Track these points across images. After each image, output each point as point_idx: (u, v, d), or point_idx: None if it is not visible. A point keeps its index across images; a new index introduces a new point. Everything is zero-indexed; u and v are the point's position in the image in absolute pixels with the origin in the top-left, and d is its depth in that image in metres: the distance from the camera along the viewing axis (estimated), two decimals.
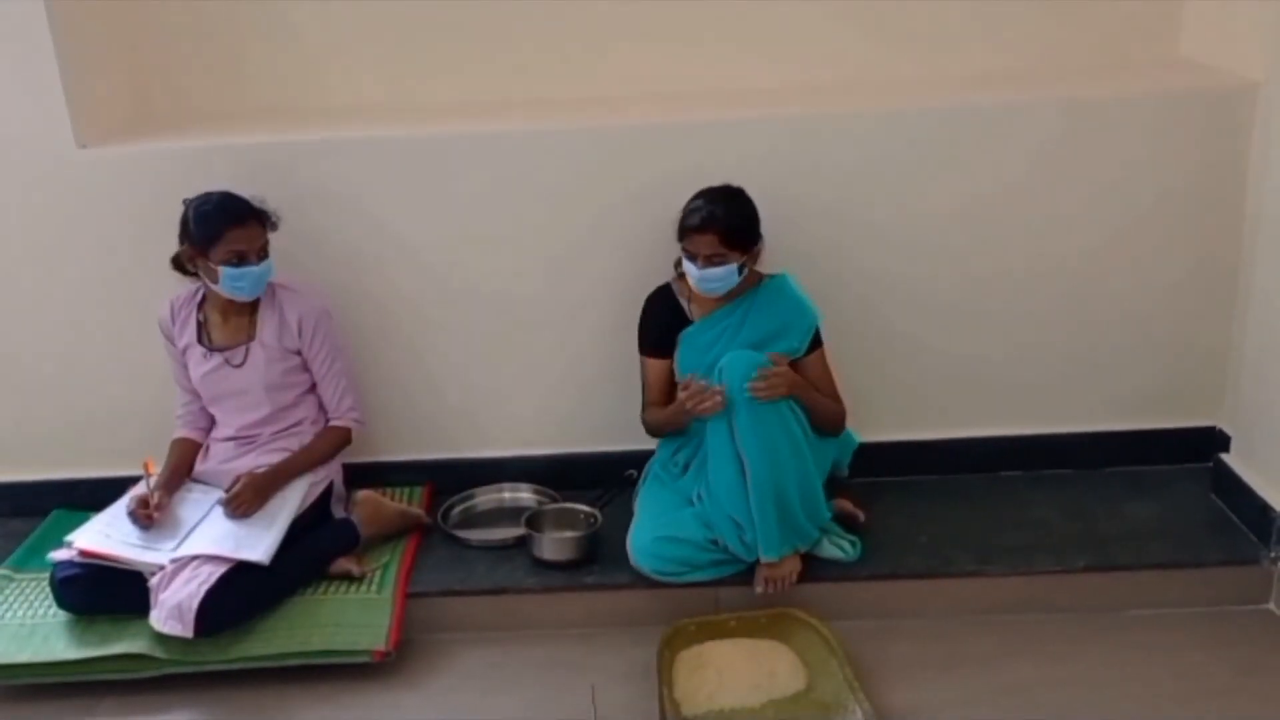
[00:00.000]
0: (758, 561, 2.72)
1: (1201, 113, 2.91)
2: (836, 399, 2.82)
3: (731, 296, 2.78)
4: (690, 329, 2.83)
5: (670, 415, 2.81)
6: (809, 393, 2.73)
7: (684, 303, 2.85)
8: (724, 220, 2.67)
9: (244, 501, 2.75)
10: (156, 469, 2.85)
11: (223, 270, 2.74)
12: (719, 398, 2.60)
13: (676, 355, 2.84)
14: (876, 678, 2.53)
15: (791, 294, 2.81)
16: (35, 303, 3.10)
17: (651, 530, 2.76)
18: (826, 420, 2.78)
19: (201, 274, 2.80)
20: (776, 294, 2.80)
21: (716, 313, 2.81)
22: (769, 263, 2.81)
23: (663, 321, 2.86)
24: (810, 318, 2.79)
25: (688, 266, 2.73)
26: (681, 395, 2.70)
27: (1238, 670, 2.53)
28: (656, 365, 2.87)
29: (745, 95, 3.17)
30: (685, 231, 2.71)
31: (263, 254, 2.78)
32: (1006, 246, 3.03)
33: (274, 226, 2.82)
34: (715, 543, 2.73)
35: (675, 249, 2.97)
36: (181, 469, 2.92)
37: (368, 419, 3.04)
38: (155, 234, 2.86)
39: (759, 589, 2.72)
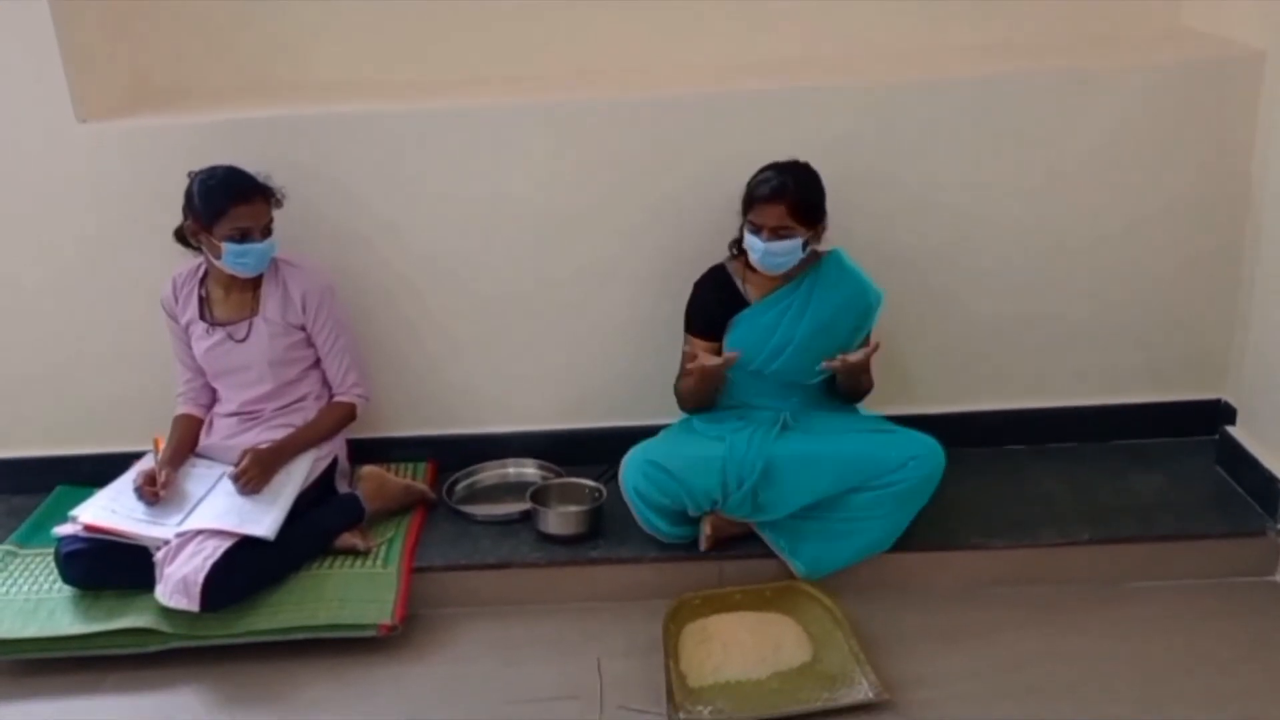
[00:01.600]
0: (704, 516, 2.74)
1: (1207, 83, 2.89)
2: (868, 374, 2.80)
3: (790, 276, 2.74)
4: (748, 310, 2.78)
5: (696, 379, 2.75)
6: (858, 372, 2.74)
7: (739, 283, 2.80)
8: (795, 192, 2.62)
9: (251, 478, 2.74)
10: (164, 446, 2.85)
11: (226, 246, 2.73)
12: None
13: (727, 337, 2.79)
14: (881, 650, 2.53)
15: (851, 271, 2.77)
16: (36, 277, 3.09)
17: (652, 454, 2.74)
18: (851, 392, 2.79)
19: (204, 249, 2.79)
20: (837, 271, 2.75)
21: (777, 292, 2.76)
22: None
23: (717, 303, 2.79)
24: (874, 295, 2.77)
25: (751, 241, 2.67)
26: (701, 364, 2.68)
27: (1243, 642, 2.53)
28: (701, 346, 2.80)
29: (743, 70, 3.15)
30: (753, 202, 2.65)
31: (267, 231, 2.77)
32: (1009, 221, 3.02)
33: (279, 203, 2.80)
34: (705, 504, 2.72)
35: (680, 224, 2.99)
36: (185, 445, 2.91)
37: (372, 395, 3.04)
38: (156, 208, 2.85)
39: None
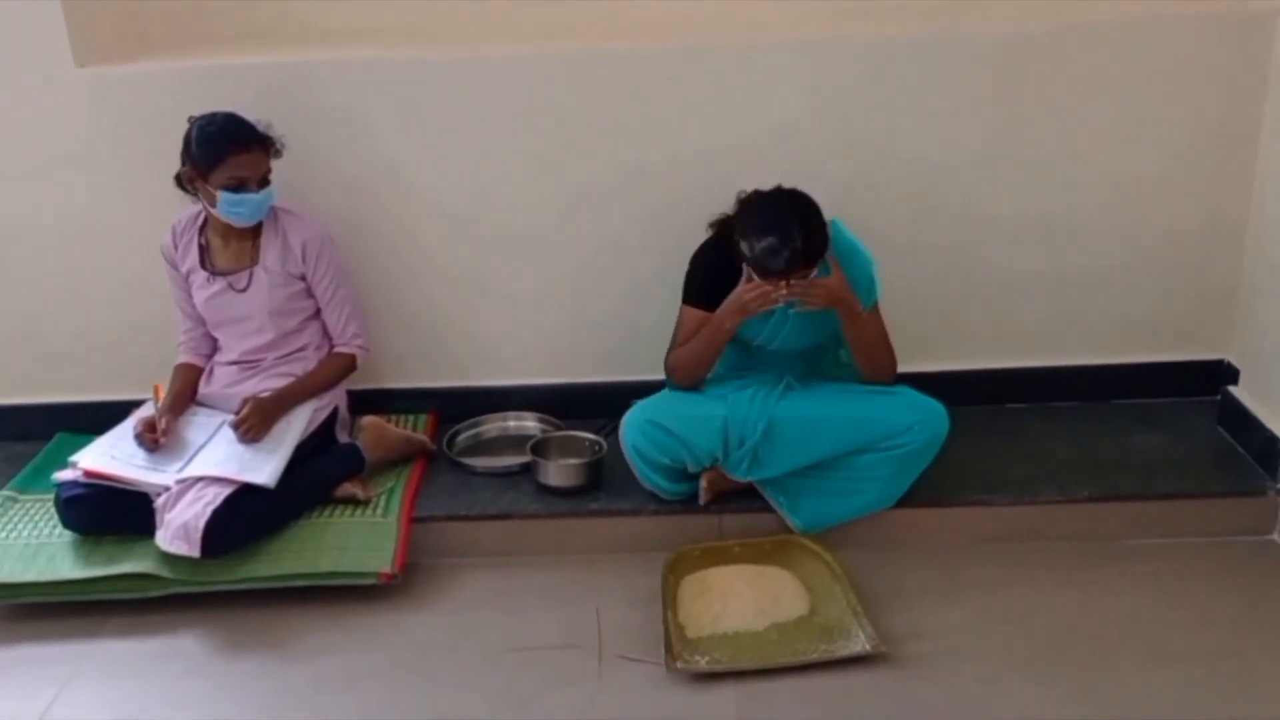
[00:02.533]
0: (704, 471, 2.73)
1: (1219, 40, 2.86)
2: (888, 348, 2.71)
3: None
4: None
5: (706, 332, 2.65)
6: (854, 314, 2.59)
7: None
8: (805, 255, 2.45)
9: (251, 426, 2.74)
10: (164, 394, 2.85)
11: (221, 195, 2.71)
12: (779, 293, 2.49)
13: None
14: (879, 604, 2.54)
15: (848, 243, 2.66)
16: (35, 224, 3.07)
17: (651, 413, 2.72)
18: (870, 367, 2.69)
19: (200, 196, 2.77)
20: (837, 249, 2.61)
21: None
22: None
23: (716, 275, 2.66)
24: (868, 266, 2.65)
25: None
26: (741, 292, 2.55)
27: (1240, 600, 2.54)
28: (698, 317, 2.69)
29: (749, 24, 3.11)
30: (769, 274, 2.48)
31: (264, 181, 2.75)
32: (1014, 178, 2.99)
33: (278, 153, 2.78)
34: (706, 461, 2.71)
35: (686, 179, 2.97)
36: (186, 393, 2.91)
37: (373, 346, 3.03)
38: (156, 154, 2.82)
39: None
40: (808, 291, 2.51)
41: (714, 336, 2.66)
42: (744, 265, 2.56)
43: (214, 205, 2.75)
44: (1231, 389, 2.98)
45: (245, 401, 2.77)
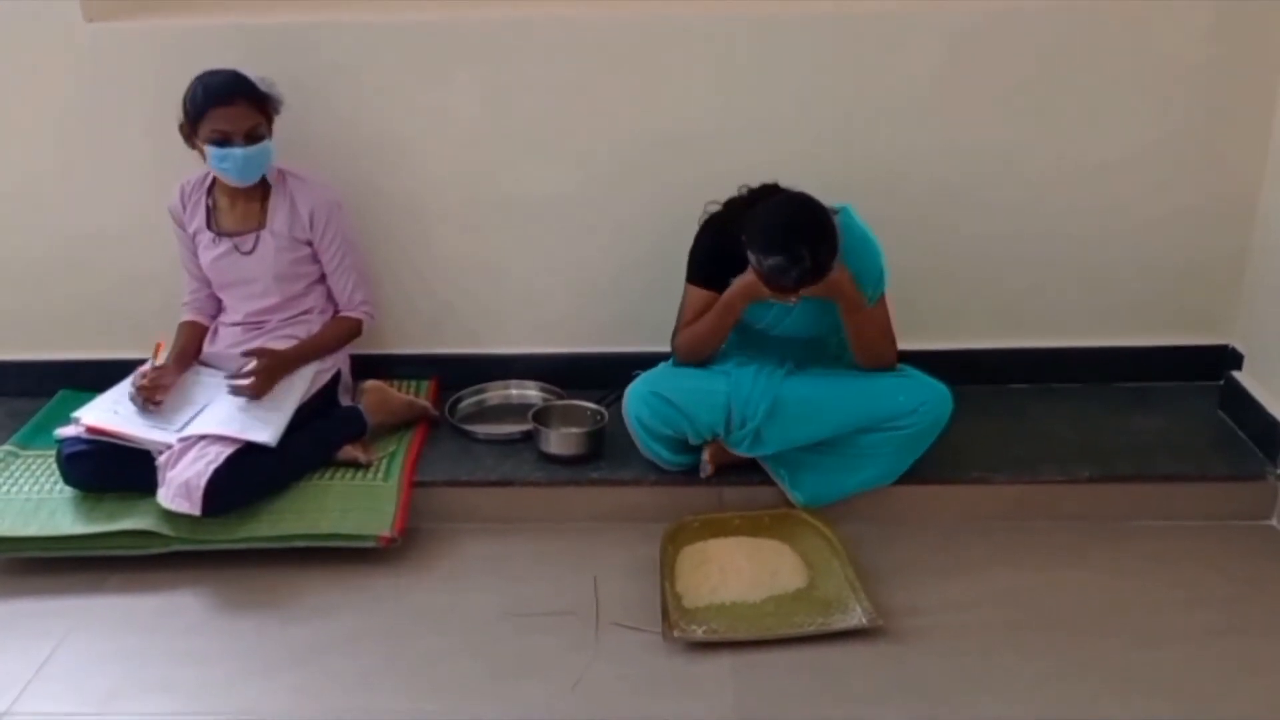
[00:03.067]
0: (705, 444, 2.73)
1: (1232, 14, 2.83)
2: (889, 340, 2.68)
3: None
4: None
5: (714, 314, 2.62)
6: (855, 308, 2.56)
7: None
8: (816, 271, 2.42)
9: (255, 385, 2.74)
10: (166, 350, 2.85)
11: (209, 150, 2.70)
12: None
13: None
14: (877, 579, 2.55)
15: (859, 233, 2.60)
16: (42, 178, 3.07)
17: (656, 385, 2.71)
18: (868, 355, 2.67)
19: (198, 151, 2.76)
20: (848, 231, 2.53)
21: None
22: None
23: (720, 255, 2.61)
24: (877, 257, 2.61)
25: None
26: (752, 279, 2.51)
27: (1237, 583, 2.54)
28: (706, 298, 2.66)
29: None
30: (772, 286, 2.47)
31: (252, 137, 2.71)
32: (1018, 156, 2.98)
33: (274, 110, 2.76)
34: (707, 435, 2.71)
35: (694, 149, 2.95)
36: (189, 351, 2.92)
37: (378, 313, 3.03)
38: (163, 110, 2.80)
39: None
40: (811, 288, 2.50)
41: (722, 318, 2.64)
42: (750, 260, 2.52)
43: (206, 160, 2.74)
44: (1235, 374, 2.98)
45: (255, 352, 2.77)
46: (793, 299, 2.50)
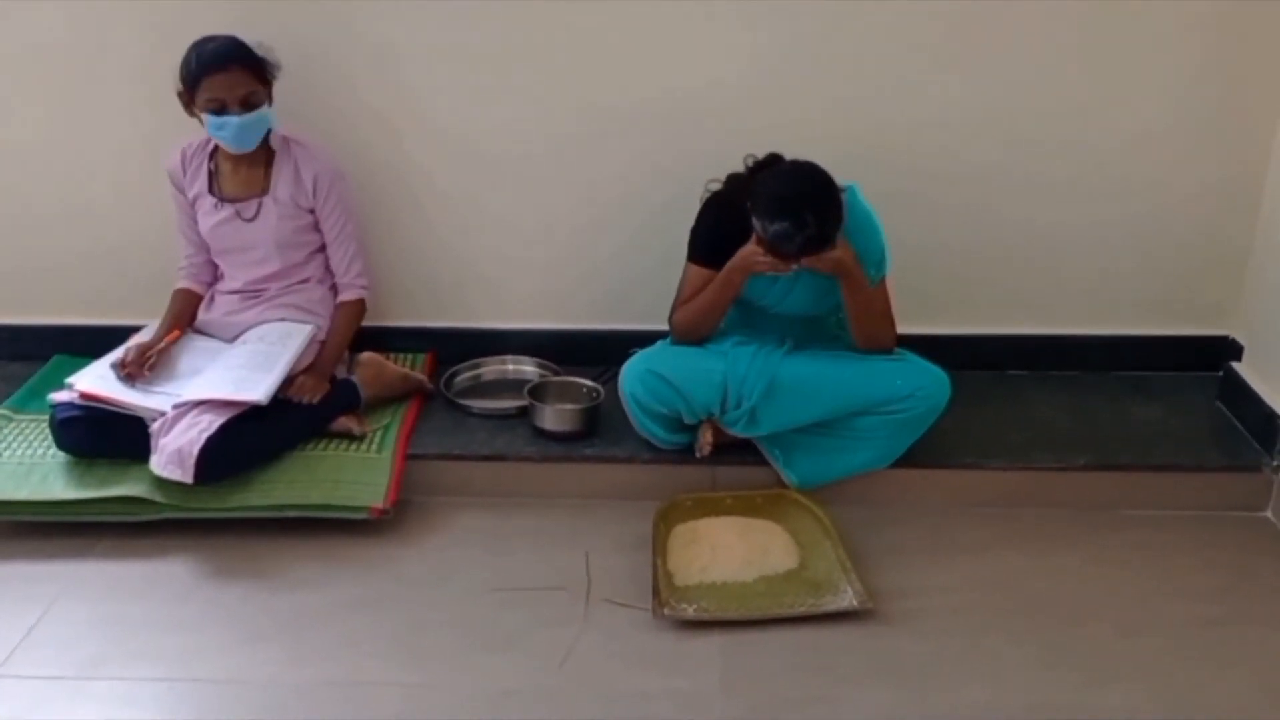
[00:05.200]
0: (701, 424, 2.72)
1: (1234, 6, 2.81)
2: (888, 322, 2.67)
3: None
4: None
5: (714, 288, 2.60)
6: (858, 287, 2.55)
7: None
8: (821, 239, 2.42)
9: (309, 387, 2.77)
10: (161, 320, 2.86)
11: (206, 117, 2.69)
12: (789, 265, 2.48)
13: None
14: (869, 561, 2.54)
15: (863, 212, 2.58)
16: (39, 143, 3.05)
17: (652, 363, 2.70)
18: (866, 336, 2.65)
19: (197, 119, 2.74)
20: (852, 211, 2.52)
21: None
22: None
23: (722, 234, 2.59)
24: (880, 237, 2.60)
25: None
26: (751, 251, 2.50)
27: (1227, 574, 2.54)
28: (704, 274, 2.65)
29: None
30: (782, 255, 2.46)
31: (248, 104, 2.68)
32: (1020, 143, 2.96)
33: (271, 76, 2.73)
34: (703, 415, 2.71)
35: (694, 127, 2.93)
36: (183, 319, 2.91)
37: (373, 284, 3.02)
38: (161, 73, 2.78)
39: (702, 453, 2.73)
40: (815, 261, 2.48)
41: (721, 292, 2.63)
42: (754, 226, 2.53)
43: (205, 127, 2.72)
44: (1234, 365, 2.97)
45: (300, 376, 2.79)
46: (793, 266, 2.48)
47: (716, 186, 2.68)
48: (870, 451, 2.70)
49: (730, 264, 2.58)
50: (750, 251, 2.53)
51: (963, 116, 2.93)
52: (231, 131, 2.69)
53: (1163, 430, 2.88)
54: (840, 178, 2.49)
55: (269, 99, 2.73)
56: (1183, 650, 2.30)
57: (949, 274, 3.10)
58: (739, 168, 2.66)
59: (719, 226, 2.63)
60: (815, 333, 2.77)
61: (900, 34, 2.87)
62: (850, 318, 2.64)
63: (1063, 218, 3.03)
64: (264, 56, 2.71)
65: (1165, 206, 3.01)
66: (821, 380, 2.66)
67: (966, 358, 3.07)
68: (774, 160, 2.60)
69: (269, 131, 2.78)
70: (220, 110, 2.67)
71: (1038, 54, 2.88)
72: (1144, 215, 3.02)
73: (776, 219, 2.41)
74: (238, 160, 2.83)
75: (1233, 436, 2.86)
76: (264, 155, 2.83)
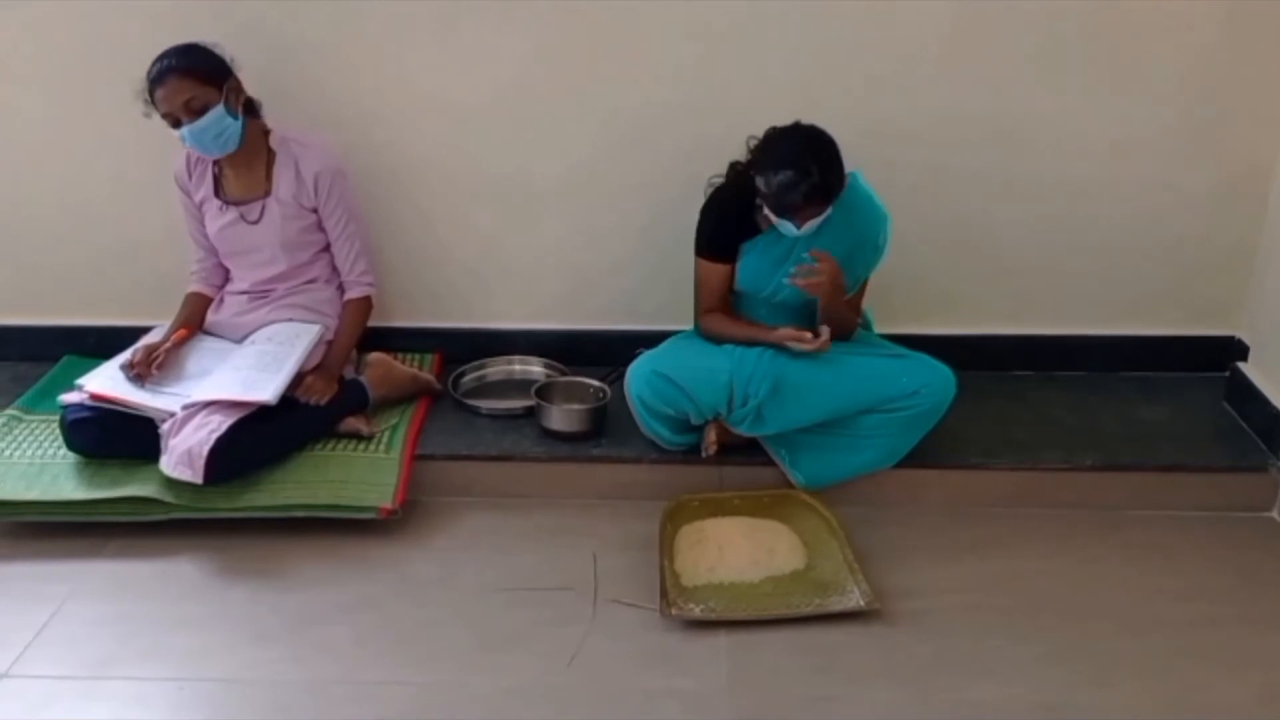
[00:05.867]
0: (707, 424, 2.73)
1: (1240, 3, 2.81)
2: (857, 310, 2.76)
3: None
4: (762, 238, 2.67)
5: (746, 333, 2.71)
6: (839, 303, 2.62)
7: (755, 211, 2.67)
8: (825, 190, 2.45)
9: (317, 388, 2.78)
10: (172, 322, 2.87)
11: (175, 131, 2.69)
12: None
13: (739, 265, 2.71)
14: (875, 561, 2.55)
15: (865, 195, 2.62)
16: (46, 144, 3.07)
17: (658, 365, 2.71)
18: (834, 320, 2.68)
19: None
20: (853, 197, 2.58)
21: None
22: None
23: (730, 226, 2.66)
24: (882, 222, 2.63)
25: (780, 224, 2.54)
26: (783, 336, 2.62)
27: (1232, 574, 2.54)
28: (718, 270, 2.70)
29: None
30: (780, 210, 2.49)
31: (195, 110, 2.63)
32: (1026, 142, 2.96)
33: (218, 75, 2.66)
34: (708, 416, 2.71)
35: (700, 127, 2.93)
36: (193, 321, 2.92)
37: (380, 283, 3.02)
38: None
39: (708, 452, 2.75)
40: (810, 280, 2.53)
41: (751, 338, 2.70)
42: (759, 203, 2.55)
43: None
44: (1240, 365, 2.97)
45: (306, 376, 2.80)
46: (800, 227, 2.50)
47: (720, 181, 2.69)
48: (876, 450, 2.71)
49: (770, 333, 2.65)
50: (781, 336, 2.62)
51: (971, 115, 2.94)
52: (192, 139, 2.67)
53: (1168, 430, 2.88)
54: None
55: (223, 98, 2.66)
56: (1188, 650, 2.30)
57: (955, 273, 3.11)
58: None
59: (723, 219, 2.68)
60: (813, 321, 2.78)
61: (898, 28, 2.86)
62: (821, 314, 2.68)
63: (1068, 217, 3.04)
64: (207, 58, 2.66)
65: (1171, 206, 3.01)
66: (827, 378, 2.66)
67: (972, 358, 3.07)
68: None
69: (244, 130, 2.73)
70: (176, 123, 2.66)
71: (1044, 47, 2.87)
72: (1150, 215, 3.03)
73: (779, 170, 2.44)
74: (239, 163, 2.83)
75: (1238, 437, 2.86)
76: (265, 156, 2.84)
